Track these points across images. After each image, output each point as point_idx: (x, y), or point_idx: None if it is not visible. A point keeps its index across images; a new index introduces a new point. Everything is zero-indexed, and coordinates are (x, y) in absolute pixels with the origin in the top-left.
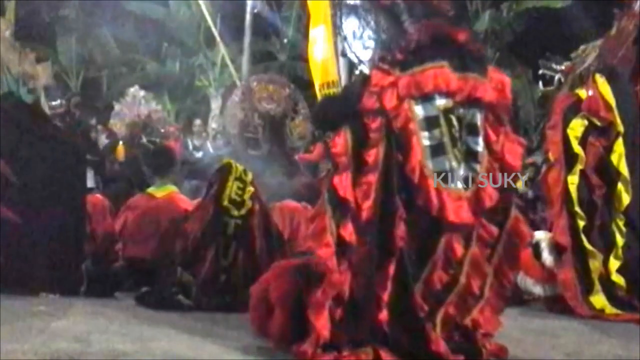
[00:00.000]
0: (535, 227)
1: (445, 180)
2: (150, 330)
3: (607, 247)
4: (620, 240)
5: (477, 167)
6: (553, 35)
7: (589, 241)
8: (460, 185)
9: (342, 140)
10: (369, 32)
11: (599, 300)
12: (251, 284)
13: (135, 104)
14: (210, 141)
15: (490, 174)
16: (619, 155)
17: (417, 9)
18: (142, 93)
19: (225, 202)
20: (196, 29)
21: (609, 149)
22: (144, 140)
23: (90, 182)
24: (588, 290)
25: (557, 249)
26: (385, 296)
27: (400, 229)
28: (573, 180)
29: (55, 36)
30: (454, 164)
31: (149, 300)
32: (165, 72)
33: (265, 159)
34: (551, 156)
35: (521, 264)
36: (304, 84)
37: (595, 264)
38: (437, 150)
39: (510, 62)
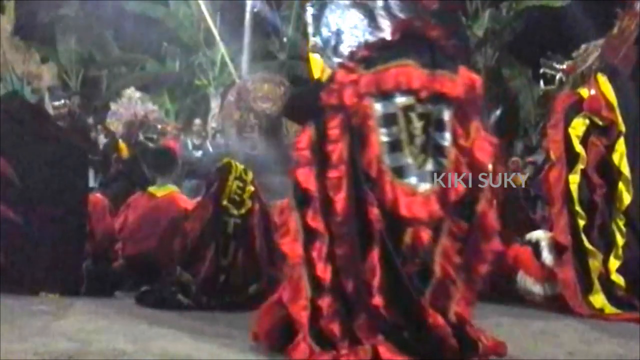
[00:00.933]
0: (535, 226)
1: (400, 175)
2: (150, 330)
3: (607, 246)
4: (620, 240)
5: (444, 161)
6: (553, 35)
7: (589, 240)
8: (415, 180)
9: (305, 136)
10: (340, 29)
11: (598, 299)
12: (251, 284)
13: (132, 105)
14: (210, 140)
15: (457, 170)
16: (620, 155)
17: (394, 5)
18: (137, 94)
19: (225, 202)
20: (196, 28)
21: (610, 149)
22: (141, 137)
23: (90, 182)
24: (588, 289)
25: (557, 248)
26: (376, 282)
27: (374, 213)
28: (574, 179)
29: (54, 36)
30: (410, 160)
31: (149, 299)
32: (165, 72)
33: (263, 157)
34: (552, 155)
35: (489, 258)
36: (304, 82)
37: (595, 264)
38: (394, 146)
39: (510, 62)
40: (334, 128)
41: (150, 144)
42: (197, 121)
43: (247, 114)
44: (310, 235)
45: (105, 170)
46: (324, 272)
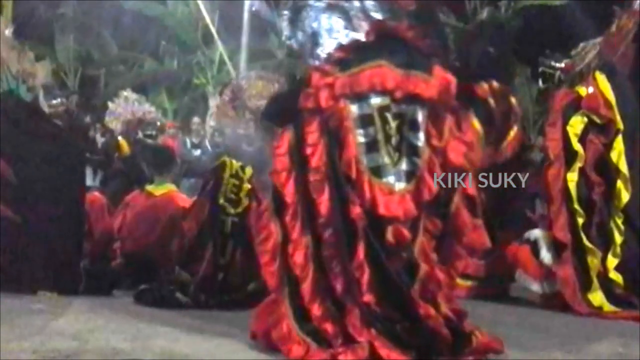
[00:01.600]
0: (534, 224)
1: (378, 175)
2: (149, 328)
3: (606, 244)
4: (618, 238)
5: (418, 161)
6: (551, 33)
7: (588, 239)
8: (392, 180)
9: (284, 141)
10: (317, 31)
11: (597, 297)
12: (249, 282)
13: (129, 104)
14: (209, 139)
15: (430, 170)
16: (618, 153)
17: (371, 7)
18: (134, 96)
19: (222, 201)
20: (194, 27)
21: (608, 147)
22: (140, 135)
23: (89, 181)
24: (586, 287)
25: (555, 246)
26: (365, 279)
27: (356, 211)
28: (572, 177)
29: (53, 34)
30: (387, 159)
31: (147, 298)
32: (163, 70)
33: (261, 154)
34: (551, 153)
35: (464, 255)
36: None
37: (594, 262)
38: (371, 146)
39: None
40: (311, 132)
41: (149, 141)
42: (196, 120)
43: (242, 111)
44: (287, 239)
45: (106, 169)
46: (305, 275)
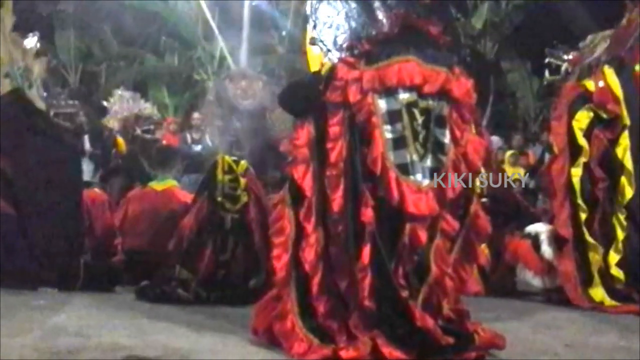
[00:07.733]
0: (536, 219)
1: (406, 172)
2: (150, 324)
3: (608, 240)
4: (620, 234)
5: (444, 158)
6: (552, 27)
7: (590, 234)
8: (420, 177)
9: (304, 133)
10: (339, 20)
11: (598, 293)
12: (251, 278)
13: (124, 102)
14: (209, 134)
15: (455, 168)
16: (623, 149)
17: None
18: (128, 94)
19: (219, 198)
20: (195, 22)
21: (614, 142)
22: (138, 131)
23: (90, 177)
24: (588, 282)
25: (558, 240)
26: (366, 284)
27: (367, 214)
28: (576, 172)
29: (53, 30)
30: (415, 156)
31: (149, 294)
32: (164, 66)
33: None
34: (555, 148)
35: (478, 258)
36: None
37: (595, 257)
38: (398, 143)
39: (509, 54)
40: (334, 125)
41: (148, 136)
42: (196, 115)
43: (229, 113)
44: (301, 234)
45: (107, 165)
46: (315, 271)
